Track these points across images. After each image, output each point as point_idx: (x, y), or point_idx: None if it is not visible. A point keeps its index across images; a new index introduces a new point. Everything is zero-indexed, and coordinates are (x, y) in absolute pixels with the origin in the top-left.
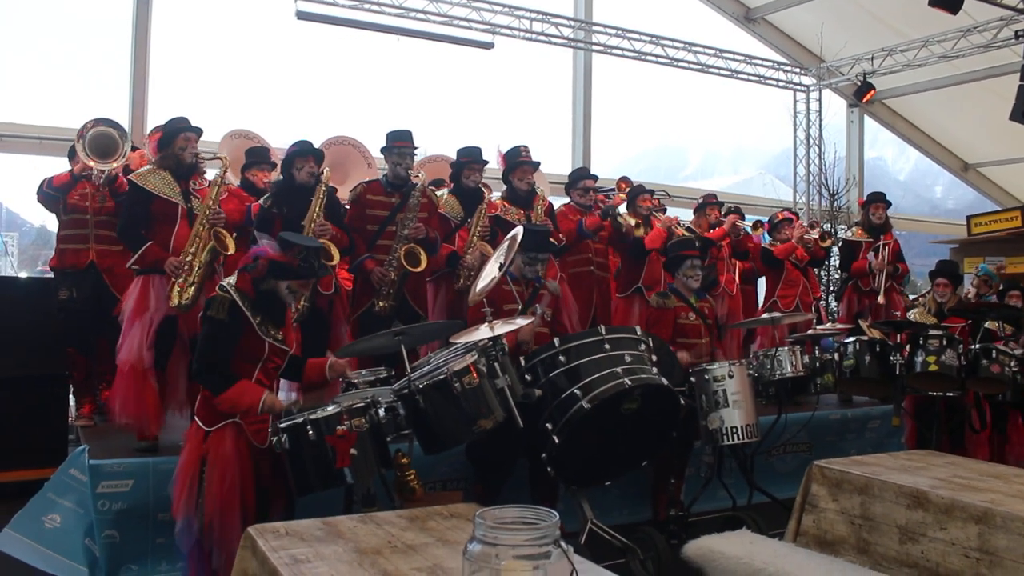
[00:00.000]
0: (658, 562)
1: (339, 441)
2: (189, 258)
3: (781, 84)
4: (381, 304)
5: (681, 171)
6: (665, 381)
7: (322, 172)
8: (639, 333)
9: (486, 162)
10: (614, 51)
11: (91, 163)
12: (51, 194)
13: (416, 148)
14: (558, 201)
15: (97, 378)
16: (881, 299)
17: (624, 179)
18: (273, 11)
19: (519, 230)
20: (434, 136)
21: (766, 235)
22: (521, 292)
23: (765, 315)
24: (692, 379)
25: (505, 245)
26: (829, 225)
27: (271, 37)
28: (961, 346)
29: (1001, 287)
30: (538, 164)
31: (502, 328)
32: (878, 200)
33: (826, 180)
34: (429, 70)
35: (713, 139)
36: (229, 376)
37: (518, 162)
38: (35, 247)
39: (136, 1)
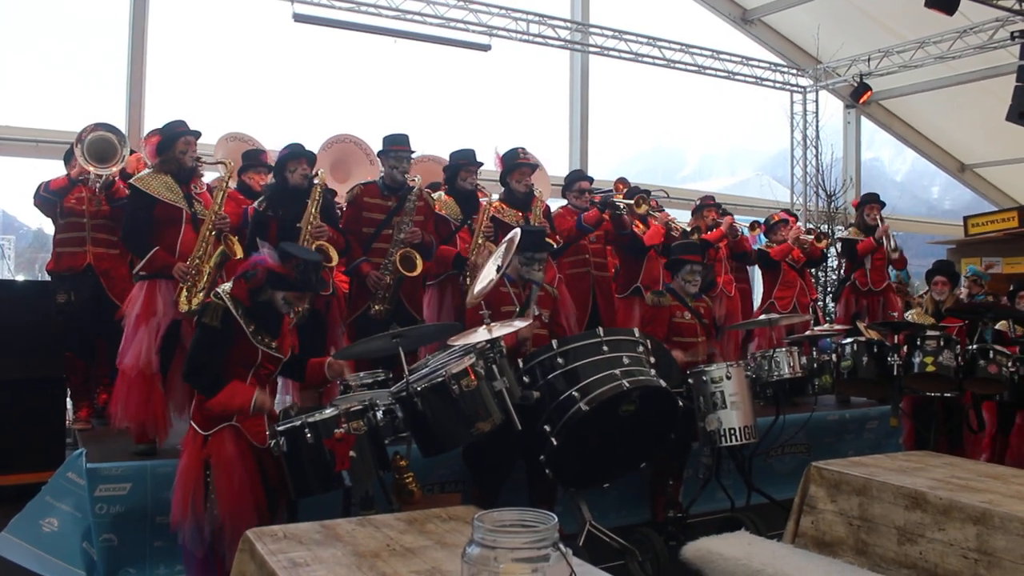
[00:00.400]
0: (656, 564)
1: (337, 444)
2: (197, 262)
3: (778, 85)
4: (377, 308)
5: (678, 172)
6: (663, 383)
7: (316, 174)
8: (637, 335)
9: (480, 164)
10: (611, 53)
11: (89, 168)
12: (48, 198)
13: (413, 152)
14: (559, 203)
15: (95, 381)
16: (896, 255)
17: (622, 180)
18: (270, 13)
19: (517, 232)
20: (431, 138)
21: (762, 236)
22: (519, 294)
23: (763, 316)
24: (690, 380)
25: (503, 247)
26: (826, 226)
27: (268, 39)
28: (958, 347)
29: (984, 289)
30: (536, 166)
31: (500, 330)
32: (872, 201)
33: (823, 181)
34: (426, 73)
35: (710, 140)
36: (219, 378)
37: (516, 164)
38: (32, 250)
39: (132, 3)
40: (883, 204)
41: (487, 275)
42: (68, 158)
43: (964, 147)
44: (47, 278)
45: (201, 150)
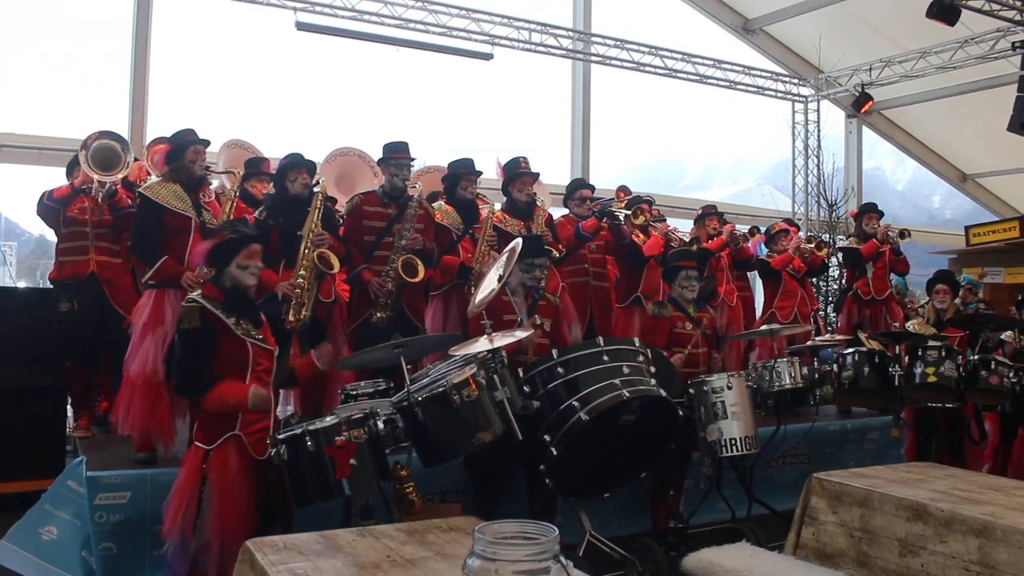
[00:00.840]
0: (657, 574)
1: (338, 452)
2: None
3: (779, 95)
4: (379, 315)
5: (680, 181)
6: (663, 393)
7: (316, 183)
8: (638, 344)
9: (480, 173)
10: (613, 62)
11: (94, 175)
12: (51, 206)
13: (413, 159)
14: (560, 213)
15: (96, 390)
16: (901, 239)
17: (623, 188)
18: (273, 22)
19: (518, 242)
20: (433, 147)
21: (763, 247)
22: (520, 303)
23: (764, 327)
24: (691, 390)
25: (504, 257)
26: (828, 236)
27: (271, 47)
28: (960, 357)
29: (977, 296)
30: (537, 175)
31: (501, 340)
32: (871, 211)
33: (824, 190)
34: (428, 82)
35: (712, 150)
36: (211, 381)
37: (517, 173)
38: (34, 257)
39: (136, 8)
40: (881, 214)
41: (488, 284)
42: (71, 168)
43: (965, 157)
44: (49, 285)
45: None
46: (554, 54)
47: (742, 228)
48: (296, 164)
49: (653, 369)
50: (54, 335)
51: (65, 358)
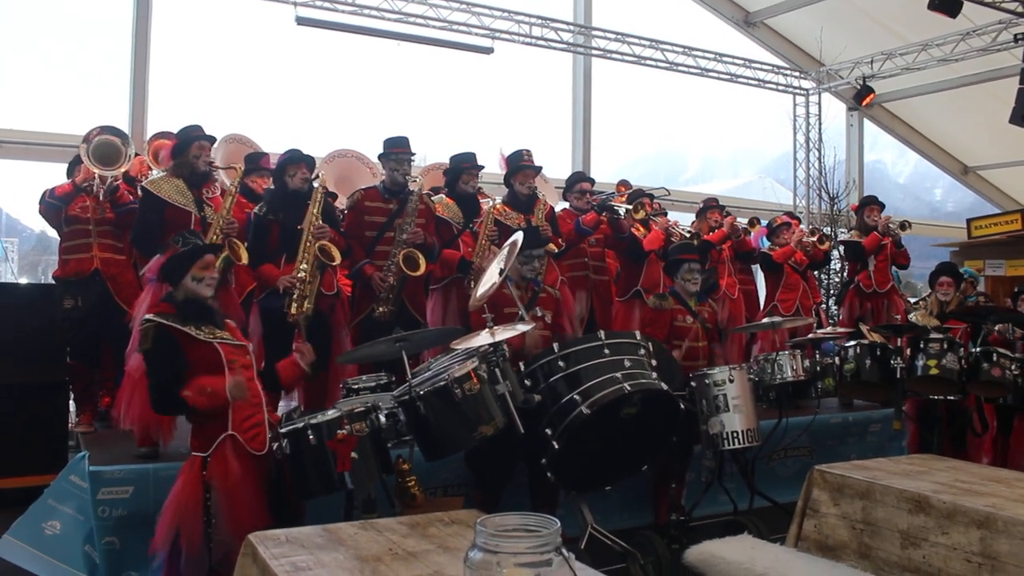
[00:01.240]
0: (658, 567)
1: (340, 445)
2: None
3: (781, 88)
4: (381, 309)
5: (681, 175)
6: (664, 386)
7: (315, 177)
8: (639, 338)
9: (482, 167)
10: (613, 55)
11: (94, 169)
12: (54, 203)
13: (414, 154)
14: (561, 206)
15: (98, 386)
16: (902, 231)
17: (623, 182)
18: (272, 16)
19: (518, 235)
20: (434, 141)
21: (764, 240)
22: (521, 296)
23: (765, 319)
24: (693, 383)
25: (505, 250)
26: (829, 229)
27: (271, 42)
28: (962, 349)
29: (976, 289)
30: (540, 168)
31: (503, 334)
32: (872, 203)
33: (826, 184)
34: (429, 76)
35: (713, 143)
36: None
37: (519, 166)
38: (35, 253)
39: (136, 4)
40: (882, 206)
41: (489, 278)
42: (72, 167)
43: (967, 149)
44: (51, 281)
45: None
46: (554, 48)
47: (742, 221)
48: (295, 159)
49: (654, 362)
50: (56, 331)
51: (68, 355)
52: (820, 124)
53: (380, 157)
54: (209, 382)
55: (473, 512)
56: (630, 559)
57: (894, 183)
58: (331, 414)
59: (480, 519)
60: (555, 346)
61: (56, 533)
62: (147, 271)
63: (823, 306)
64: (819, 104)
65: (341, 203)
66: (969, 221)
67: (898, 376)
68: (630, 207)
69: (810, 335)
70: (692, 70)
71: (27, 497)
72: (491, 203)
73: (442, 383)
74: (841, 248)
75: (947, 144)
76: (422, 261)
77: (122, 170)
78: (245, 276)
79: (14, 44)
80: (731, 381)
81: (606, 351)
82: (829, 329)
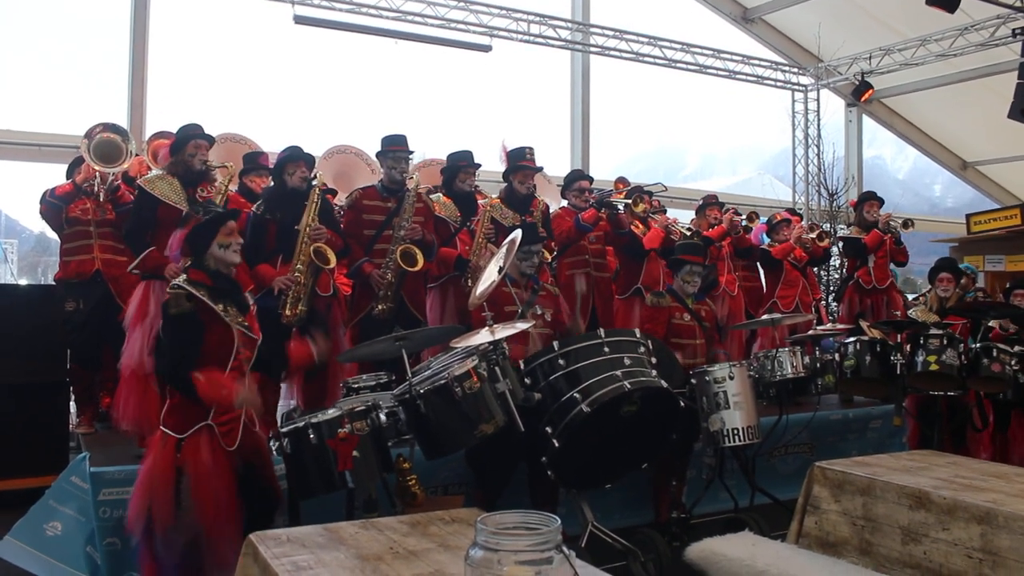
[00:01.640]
0: (659, 564)
1: (341, 444)
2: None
3: (779, 84)
4: (380, 307)
5: (680, 172)
6: (664, 384)
7: (314, 176)
8: (638, 335)
9: (479, 165)
10: (612, 53)
11: (95, 167)
12: (54, 203)
13: (412, 152)
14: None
15: (98, 387)
16: (905, 229)
17: (621, 179)
18: (270, 15)
19: (517, 233)
20: (432, 139)
21: (764, 236)
22: (520, 294)
23: (765, 316)
24: (693, 381)
25: (504, 248)
26: (828, 225)
27: (269, 41)
28: (962, 345)
29: (974, 284)
30: (540, 168)
31: (502, 332)
32: (871, 198)
33: (825, 180)
34: (427, 74)
35: (711, 140)
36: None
37: (519, 166)
38: (35, 254)
39: (134, 4)
40: (881, 201)
41: (489, 276)
42: (72, 168)
43: (966, 145)
44: (51, 282)
45: None
46: (553, 45)
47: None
48: (295, 157)
49: (654, 360)
50: (57, 332)
51: (68, 359)
52: (819, 120)
53: (378, 155)
54: (224, 380)
55: (474, 511)
56: (631, 557)
57: (893, 179)
58: (332, 413)
59: (481, 517)
60: (555, 344)
61: (57, 534)
62: (170, 246)
63: (823, 303)
64: (818, 100)
65: (340, 200)
66: (968, 217)
67: (898, 372)
68: (629, 201)
69: (810, 332)
70: (691, 67)
71: (28, 498)
72: (488, 201)
73: (442, 381)
74: (840, 244)
75: (946, 140)
76: (419, 257)
77: (122, 168)
78: (242, 276)
79: (14, 44)
80: (731, 378)
81: (606, 349)
82: (829, 326)
